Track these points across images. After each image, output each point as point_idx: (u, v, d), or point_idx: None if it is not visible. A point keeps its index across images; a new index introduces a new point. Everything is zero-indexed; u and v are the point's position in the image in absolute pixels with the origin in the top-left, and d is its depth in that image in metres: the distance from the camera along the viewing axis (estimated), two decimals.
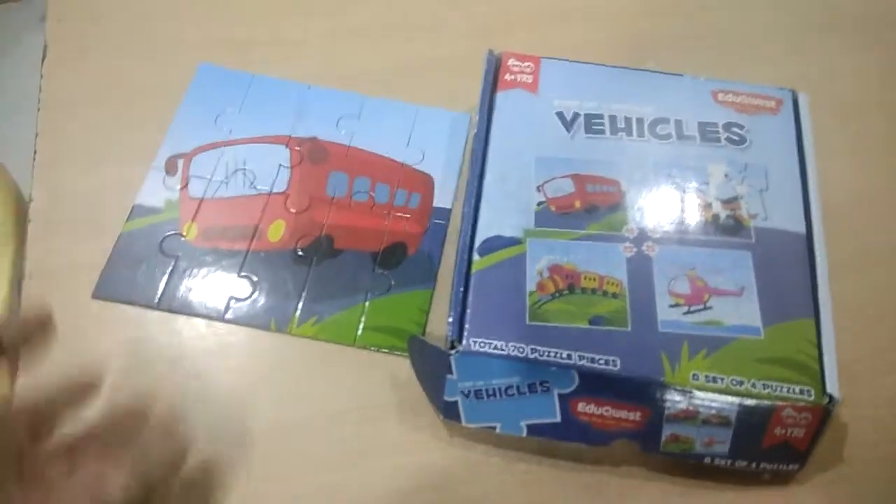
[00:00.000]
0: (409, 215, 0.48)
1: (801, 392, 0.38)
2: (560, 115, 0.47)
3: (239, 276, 0.45)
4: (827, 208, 0.44)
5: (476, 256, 0.42)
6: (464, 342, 0.39)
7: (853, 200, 0.50)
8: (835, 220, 0.45)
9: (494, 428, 0.39)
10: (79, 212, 0.47)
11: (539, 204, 0.43)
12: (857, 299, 0.46)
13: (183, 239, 0.46)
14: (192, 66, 0.53)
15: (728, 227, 0.43)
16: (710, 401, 0.37)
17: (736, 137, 0.46)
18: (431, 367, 0.40)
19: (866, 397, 0.43)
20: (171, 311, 0.44)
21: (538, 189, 0.44)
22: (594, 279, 0.41)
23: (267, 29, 0.56)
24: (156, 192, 0.48)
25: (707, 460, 0.39)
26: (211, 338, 0.43)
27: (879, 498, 0.41)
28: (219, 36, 0.55)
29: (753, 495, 0.40)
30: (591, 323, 0.40)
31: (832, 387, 0.38)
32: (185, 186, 0.48)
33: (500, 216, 0.43)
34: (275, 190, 0.48)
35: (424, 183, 0.49)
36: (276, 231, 0.47)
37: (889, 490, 0.41)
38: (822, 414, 0.37)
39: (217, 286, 0.45)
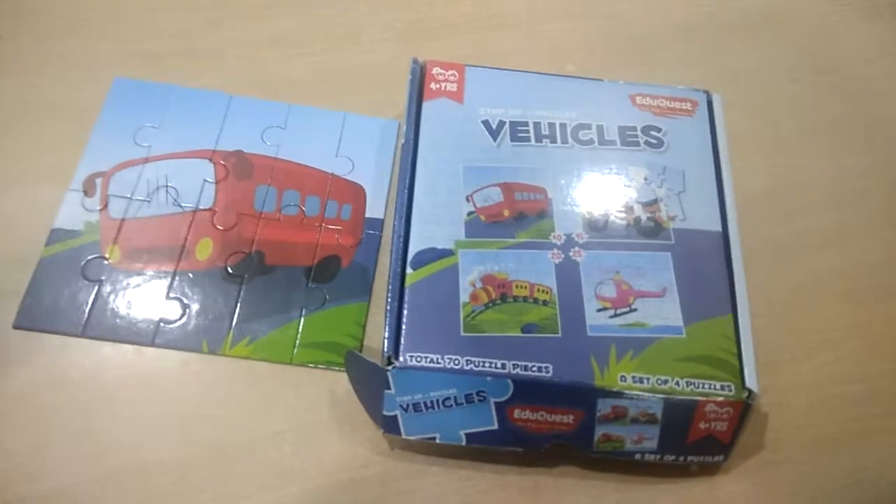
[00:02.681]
0: (341, 227, 0.48)
1: (722, 388, 0.40)
2: (486, 123, 0.47)
3: (167, 297, 0.44)
4: (741, 203, 0.46)
5: (409, 270, 0.42)
6: (400, 358, 0.39)
7: (765, 194, 0.53)
8: (749, 215, 0.47)
9: (434, 438, 0.40)
10: None
11: (469, 214, 0.44)
12: (773, 289, 0.49)
13: (106, 262, 0.45)
14: (107, 81, 0.51)
15: (649, 230, 0.45)
16: (637, 401, 0.39)
17: (654, 141, 0.48)
18: (369, 382, 0.40)
19: (786, 384, 0.46)
20: (97, 338, 0.43)
21: (467, 199, 0.44)
22: (525, 287, 0.42)
23: (180, 39, 0.54)
24: (74, 214, 0.46)
25: (638, 456, 0.40)
26: (141, 364, 0.42)
27: (801, 480, 0.43)
28: (131, 49, 0.53)
29: (683, 486, 0.42)
30: (523, 331, 0.41)
31: (751, 381, 0.40)
32: (104, 207, 0.46)
33: (431, 228, 0.43)
34: (200, 206, 0.47)
35: (355, 193, 0.49)
36: (204, 249, 0.46)
37: (810, 472, 0.43)
38: (743, 408, 0.39)
39: (145, 310, 0.44)
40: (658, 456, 0.40)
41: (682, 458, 0.41)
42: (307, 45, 0.56)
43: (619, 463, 0.41)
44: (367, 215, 0.49)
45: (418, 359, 0.39)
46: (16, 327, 0.43)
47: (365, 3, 0.59)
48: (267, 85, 0.53)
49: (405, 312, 0.40)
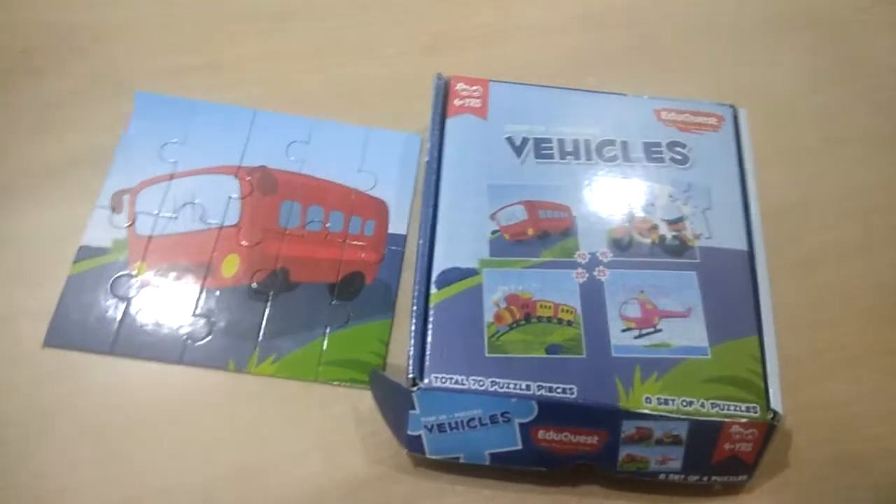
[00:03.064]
0: (364, 243, 0.48)
1: (748, 409, 0.40)
2: (510, 140, 0.47)
3: (194, 315, 0.45)
4: (765, 216, 0.46)
5: (433, 289, 0.42)
6: (425, 379, 0.39)
7: (787, 207, 0.52)
8: (773, 228, 0.47)
9: (458, 458, 0.40)
10: (23, 258, 0.46)
11: (493, 232, 0.44)
12: (798, 304, 0.49)
13: (134, 279, 0.45)
14: (131, 96, 0.51)
15: (674, 249, 0.44)
16: (662, 422, 0.39)
17: (679, 157, 0.47)
18: (393, 402, 0.40)
19: (807, 402, 0.45)
20: (125, 355, 0.43)
21: (491, 217, 0.45)
22: (549, 307, 0.42)
23: (204, 54, 0.54)
24: (102, 231, 0.47)
25: (662, 477, 0.40)
26: (168, 383, 0.43)
27: (824, 499, 0.43)
28: (155, 64, 0.53)
29: None
30: (547, 352, 0.41)
31: (776, 403, 0.40)
32: (132, 224, 0.47)
33: (456, 247, 0.43)
34: (226, 223, 0.48)
35: (378, 209, 0.50)
36: (230, 266, 0.46)
37: (834, 490, 0.43)
38: (767, 429, 0.39)
39: (172, 327, 0.44)
40: (682, 476, 0.40)
41: (706, 479, 0.41)
42: (330, 59, 0.56)
43: (642, 482, 0.41)
44: (390, 231, 0.49)
45: (443, 380, 0.39)
46: (45, 345, 0.43)
47: (386, 16, 0.59)
48: (290, 99, 0.53)
49: (430, 333, 0.41)
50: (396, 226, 0.49)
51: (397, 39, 0.57)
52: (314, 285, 0.46)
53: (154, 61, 0.54)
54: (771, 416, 0.40)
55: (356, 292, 0.47)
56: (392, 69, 0.56)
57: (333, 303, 0.46)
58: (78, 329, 0.44)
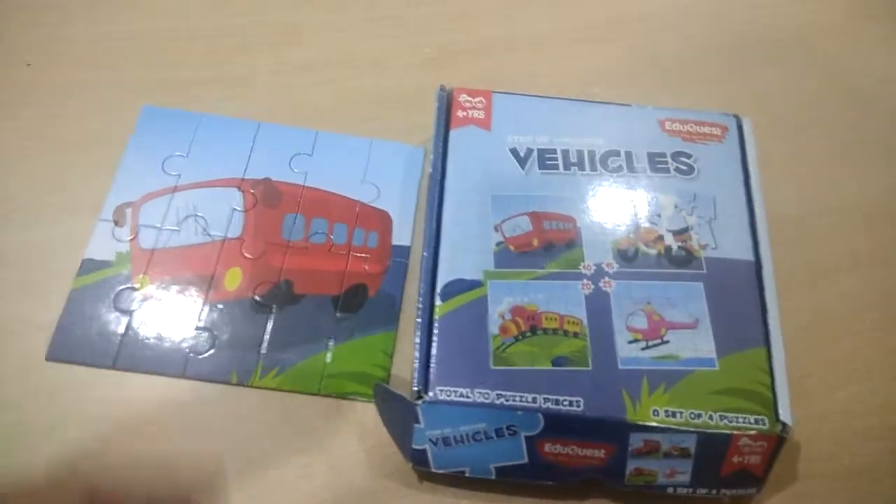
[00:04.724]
0: (368, 255, 0.48)
1: (756, 421, 0.39)
2: (514, 151, 0.47)
3: (197, 328, 0.44)
4: (773, 226, 0.46)
5: (438, 301, 0.42)
6: (430, 392, 0.39)
7: (798, 217, 0.52)
8: (781, 238, 0.46)
9: (464, 472, 0.39)
10: (26, 271, 0.46)
11: (498, 244, 0.44)
12: (806, 314, 0.48)
13: (136, 292, 0.45)
14: (135, 109, 0.51)
15: (680, 259, 0.44)
16: (670, 435, 0.39)
17: (684, 167, 0.47)
18: (398, 415, 0.40)
19: (819, 413, 0.45)
20: (128, 370, 0.43)
21: (496, 229, 0.44)
22: (555, 319, 0.42)
23: (210, 67, 0.55)
24: (105, 244, 0.46)
25: (670, 490, 0.40)
26: (171, 397, 0.43)
27: None
28: (160, 77, 0.54)
29: None
30: (553, 364, 0.40)
31: (785, 414, 0.39)
32: (134, 237, 0.47)
33: (460, 258, 0.43)
34: (229, 236, 0.47)
35: (382, 221, 0.49)
36: (233, 279, 0.46)
37: (845, 503, 0.43)
38: (777, 441, 0.39)
39: (175, 341, 0.44)
40: (691, 490, 0.40)
41: (714, 492, 0.40)
42: (335, 72, 0.56)
43: (650, 496, 0.41)
44: (394, 243, 0.49)
45: (448, 393, 0.39)
46: (48, 359, 0.43)
47: (392, 29, 0.59)
48: (294, 111, 0.53)
49: (435, 346, 0.40)
50: (400, 237, 0.49)
51: (402, 52, 0.57)
52: (318, 297, 0.46)
53: (161, 74, 0.54)
54: (780, 427, 0.39)
55: (360, 304, 0.46)
56: (396, 81, 0.56)
57: (337, 315, 0.46)
58: (80, 343, 0.43)
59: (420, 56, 0.57)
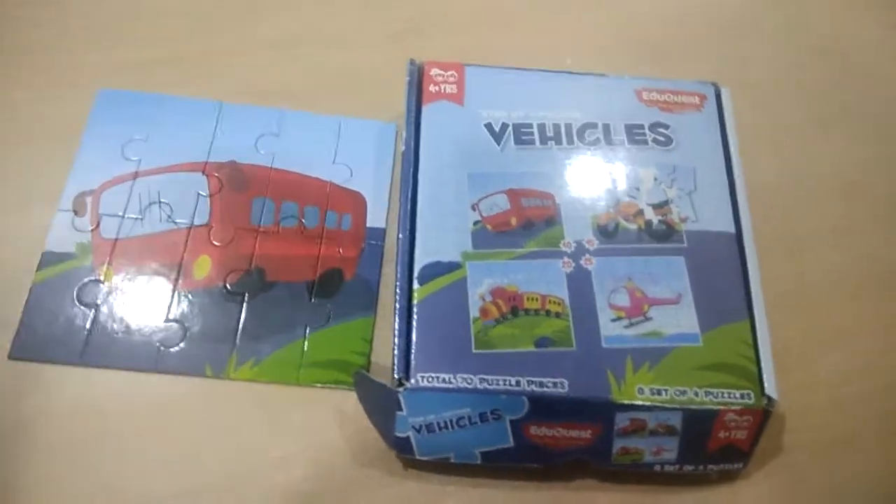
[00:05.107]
0: (342, 238, 0.46)
1: (742, 396, 0.39)
2: (489, 126, 0.46)
3: (166, 320, 0.43)
4: (753, 196, 0.45)
5: (416, 285, 0.41)
6: (411, 379, 0.38)
7: (773, 187, 0.52)
8: (760, 207, 0.46)
9: (449, 458, 0.39)
10: None
11: (475, 223, 0.43)
12: (786, 284, 0.48)
13: (101, 285, 0.43)
14: (92, 93, 0.49)
15: (660, 233, 0.43)
16: (655, 413, 0.38)
17: (662, 138, 0.46)
18: (380, 403, 0.39)
19: (801, 384, 0.45)
20: (96, 365, 0.41)
21: (473, 208, 0.43)
22: (536, 299, 0.41)
23: (169, 47, 0.52)
24: (65, 235, 0.44)
25: (657, 468, 0.40)
26: (143, 392, 0.41)
27: (822, 481, 0.42)
28: (117, 59, 0.51)
29: (703, 494, 0.41)
30: (536, 345, 0.39)
31: (770, 388, 0.39)
32: (96, 227, 0.45)
33: (437, 240, 0.42)
34: (196, 222, 0.46)
35: (355, 202, 0.48)
36: (202, 267, 0.44)
37: (831, 472, 0.43)
38: (763, 415, 0.39)
39: (144, 334, 0.42)
40: (678, 466, 0.40)
41: (701, 468, 0.40)
42: (300, 48, 0.54)
43: (638, 474, 0.41)
44: (368, 225, 0.47)
45: (430, 379, 0.38)
46: (11, 358, 0.41)
47: (358, 1, 0.56)
48: (259, 90, 0.51)
49: (415, 331, 0.39)
50: (375, 219, 0.48)
51: (370, 25, 0.55)
52: (291, 284, 0.45)
53: (118, 56, 0.51)
54: (765, 401, 0.39)
55: (336, 290, 0.45)
56: (366, 56, 0.54)
57: (312, 301, 0.44)
58: (45, 340, 0.41)
59: (390, 29, 0.55)
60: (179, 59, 0.52)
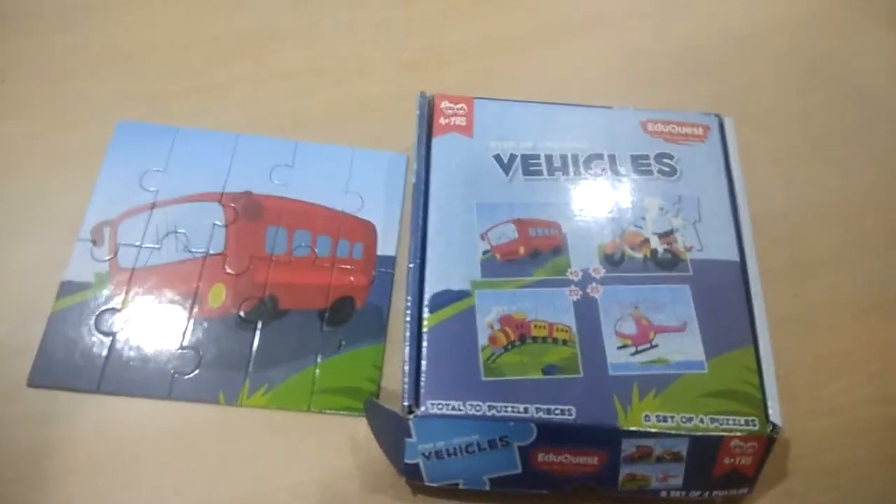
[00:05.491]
0: (353, 267, 0.47)
1: (747, 423, 0.39)
2: (497, 157, 0.47)
3: (181, 348, 0.44)
4: (758, 222, 0.46)
5: (426, 313, 0.41)
6: (421, 406, 0.39)
7: (783, 212, 0.52)
8: (766, 234, 0.47)
9: (457, 484, 0.39)
10: (4, 294, 0.45)
11: (484, 253, 0.43)
12: (793, 310, 0.49)
13: (118, 314, 0.44)
14: (111, 125, 0.50)
15: (666, 262, 0.44)
16: (662, 440, 0.39)
17: (667, 169, 0.47)
18: (389, 430, 0.40)
19: (807, 409, 0.45)
20: (113, 393, 0.42)
21: (482, 237, 0.44)
22: (544, 327, 0.41)
23: (186, 79, 0.54)
24: (84, 265, 0.46)
25: (663, 494, 0.40)
26: (158, 419, 0.42)
27: None
28: (136, 90, 0.53)
29: None
30: (544, 372, 0.40)
31: (775, 415, 0.40)
32: (114, 256, 0.46)
33: (447, 268, 0.43)
34: (211, 251, 0.47)
35: (366, 231, 0.49)
36: (217, 296, 0.45)
37: (836, 499, 0.43)
38: (767, 442, 0.39)
39: (159, 362, 0.43)
40: (684, 493, 0.40)
41: (707, 494, 0.40)
42: (316, 80, 0.55)
43: (644, 499, 0.41)
44: (379, 253, 0.48)
45: (439, 406, 0.39)
46: (30, 385, 0.42)
47: (372, 33, 0.58)
48: (274, 121, 0.52)
49: (424, 359, 0.40)
50: (385, 247, 0.49)
51: (385, 57, 0.57)
52: (304, 312, 0.45)
53: (137, 88, 0.53)
54: (770, 428, 0.39)
55: (347, 317, 0.46)
56: (379, 88, 0.55)
57: (324, 329, 0.45)
58: (63, 367, 0.42)
59: (401, 60, 0.57)
60: (198, 91, 0.53)
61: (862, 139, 0.57)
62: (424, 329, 0.41)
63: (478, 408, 0.39)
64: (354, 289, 0.47)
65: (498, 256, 0.43)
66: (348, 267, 0.47)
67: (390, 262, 0.48)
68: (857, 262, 0.51)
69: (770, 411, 0.40)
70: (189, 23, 0.57)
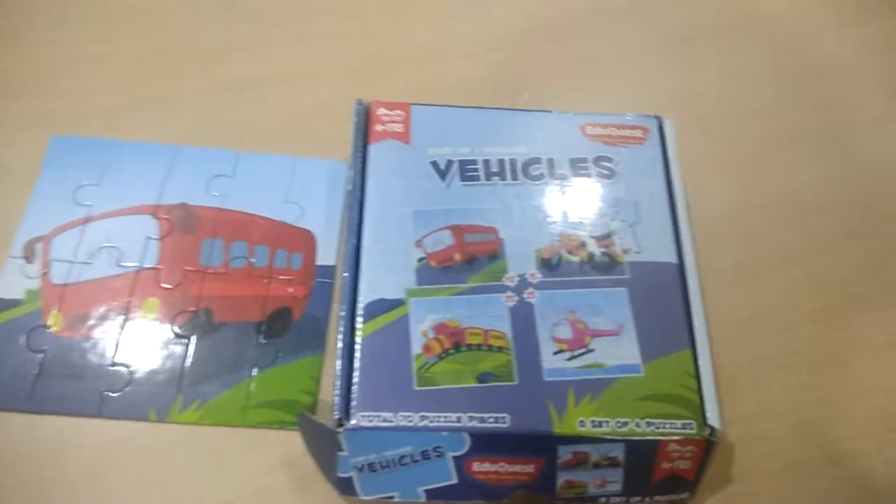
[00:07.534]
0: (292, 277, 0.47)
1: (683, 426, 0.39)
2: (434, 164, 0.46)
3: (113, 365, 0.43)
4: (701, 225, 0.45)
5: (361, 323, 0.41)
6: (352, 419, 0.38)
7: (726, 214, 0.52)
8: (709, 236, 0.46)
9: (393, 497, 0.39)
10: None
11: (419, 260, 0.43)
12: (736, 312, 0.48)
13: (49, 331, 0.43)
14: (45, 140, 0.49)
15: (603, 265, 0.44)
16: (597, 445, 0.38)
17: (606, 171, 0.47)
18: (322, 444, 0.39)
19: (751, 411, 0.45)
20: (42, 412, 0.41)
21: (417, 244, 0.43)
22: (479, 334, 0.41)
23: (123, 92, 0.53)
24: (14, 282, 0.45)
25: (602, 500, 0.40)
26: (87, 438, 0.41)
27: None
28: (72, 105, 0.52)
29: None
30: (478, 380, 0.40)
31: (713, 418, 0.39)
32: (46, 273, 0.45)
33: (382, 277, 0.42)
34: (144, 265, 0.46)
35: (305, 241, 0.48)
36: (150, 310, 0.45)
37: (780, 501, 0.43)
38: (706, 445, 0.39)
39: (89, 379, 0.42)
40: (623, 498, 0.40)
41: (647, 499, 0.40)
42: (262, 90, 0.54)
43: None
44: (319, 263, 0.48)
45: (370, 419, 0.38)
46: None
47: (318, 41, 0.57)
48: (219, 132, 0.52)
49: (356, 370, 0.39)
50: (325, 257, 0.48)
51: (330, 64, 0.56)
52: (240, 324, 0.45)
53: (73, 101, 0.52)
54: (708, 431, 0.39)
55: (284, 329, 0.45)
56: (324, 95, 0.55)
57: (261, 341, 0.44)
58: None
59: (347, 68, 0.56)
60: (140, 103, 0.52)
61: (805, 139, 0.56)
62: (358, 339, 0.40)
63: (409, 419, 0.38)
64: (292, 299, 0.46)
65: (433, 264, 0.43)
66: (287, 277, 0.47)
67: (330, 271, 0.47)
68: (803, 262, 0.51)
69: (708, 414, 0.39)
70: (137, 34, 0.56)
